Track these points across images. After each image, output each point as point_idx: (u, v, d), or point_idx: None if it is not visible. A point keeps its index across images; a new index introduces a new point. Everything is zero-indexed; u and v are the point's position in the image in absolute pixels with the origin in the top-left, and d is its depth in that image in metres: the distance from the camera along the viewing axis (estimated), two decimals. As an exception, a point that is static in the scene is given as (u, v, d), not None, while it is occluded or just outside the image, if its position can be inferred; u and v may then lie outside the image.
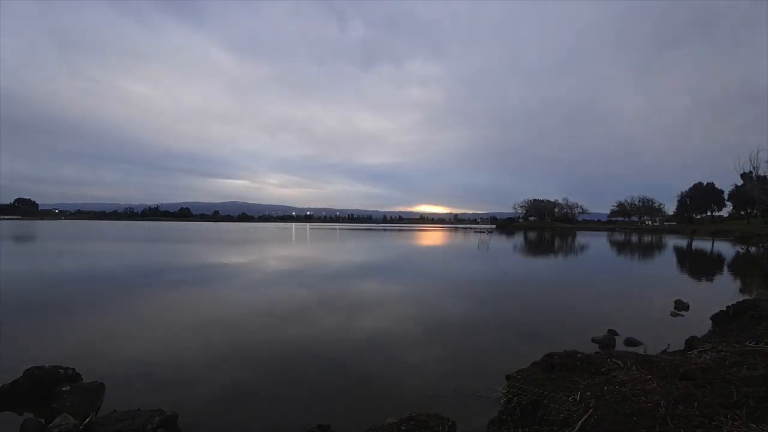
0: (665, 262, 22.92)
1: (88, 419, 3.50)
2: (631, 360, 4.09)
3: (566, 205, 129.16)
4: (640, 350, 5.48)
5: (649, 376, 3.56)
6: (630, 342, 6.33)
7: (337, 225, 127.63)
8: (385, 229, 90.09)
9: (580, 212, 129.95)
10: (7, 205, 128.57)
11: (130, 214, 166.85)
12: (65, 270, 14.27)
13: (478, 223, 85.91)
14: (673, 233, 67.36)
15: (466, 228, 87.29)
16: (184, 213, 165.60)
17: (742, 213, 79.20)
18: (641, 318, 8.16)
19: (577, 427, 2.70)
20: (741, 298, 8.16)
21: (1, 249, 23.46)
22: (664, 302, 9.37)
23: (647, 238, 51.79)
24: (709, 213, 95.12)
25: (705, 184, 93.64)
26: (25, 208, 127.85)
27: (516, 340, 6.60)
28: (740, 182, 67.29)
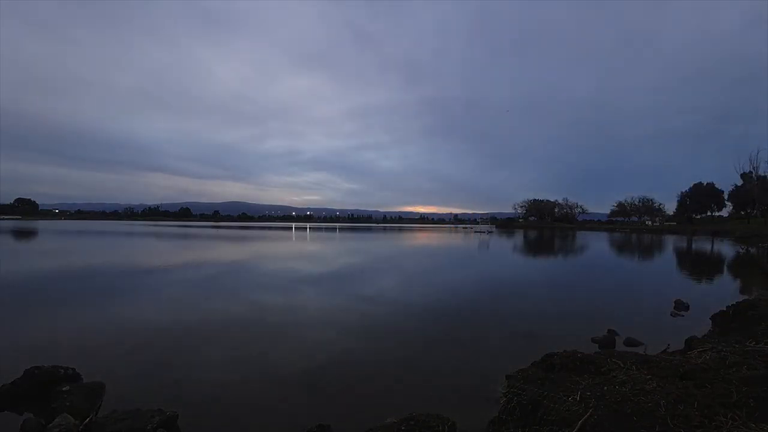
0: (665, 262, 22.92)
1: (88, 419, 3.50)
2: (631, 360, 4.09)
3: (566, 205, 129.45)
4: (640, 350, 5.48)
5: (649, 376, 3.56)
6: (630, 342, 6.33)
7: (337, 225, 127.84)
8: (385, 228, 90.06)
9: (580, 212, 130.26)
10: (7, 205, 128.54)
11: (130, 214, 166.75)
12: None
13: (478, 224, 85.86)
14: (673, 233, 67.37)
15: (465, 228, 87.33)
16: (184, 213, 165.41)
17: (742, 213, 79.23)
18: (641, 318, 8.16)
19: (577, 427, 2.70)
20: (741, 298, 8.17)
21: None
22: (664, 302, 9.37)
23: (647, 238, 51.79)
24: (709, 213, 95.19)
25: (705, 184, 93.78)
26: (25, 208, 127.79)
27: (516, 340, 6.60)
28: (740, 182, 67.39)
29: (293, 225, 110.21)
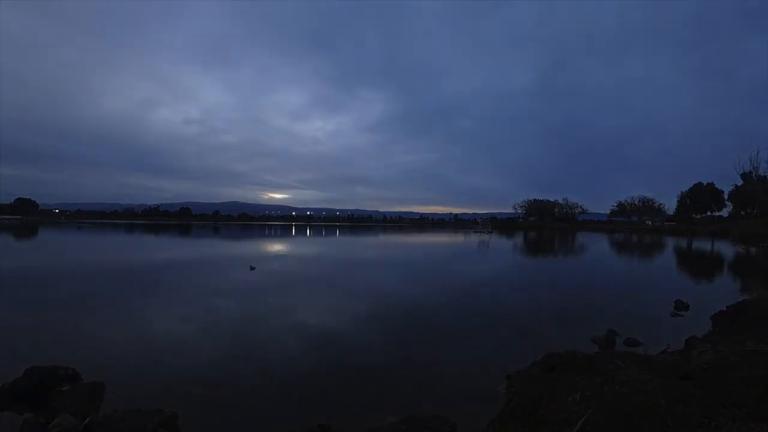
0: (665, 262, 22.92)
1: (88, 419, 3.50)
2: (631, 360, 4.09)
3: (566, 205, 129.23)
4: (640, 350, 5.49)
5: (649, 376, 3.56)
6: (630, 342, 6.33)
7: (337, 224, 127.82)
8: (385, 227, 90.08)
9: (580, 212, 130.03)
10: (7, 204, 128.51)
11: (130, 213, 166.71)
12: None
13: (478, 224, 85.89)
14: (673, 233, 67.37)
15: (466, 229, 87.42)
16: (184, 213, 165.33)
17: (742, 213, 79.23)
18: (641, 318, 8.16)
19: (577, 427, 2.70)
20: (741, 298, 8.17)
21: None
22: (664, 302, 9.38)
23: (647, 239, 51.79)
24: (709, 213, 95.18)
25: (705, 184, 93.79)
26: (25, 208, 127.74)
27: (516, 341, 6.60)
28: (740, 182, 67.31)
29: (293, 224, 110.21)
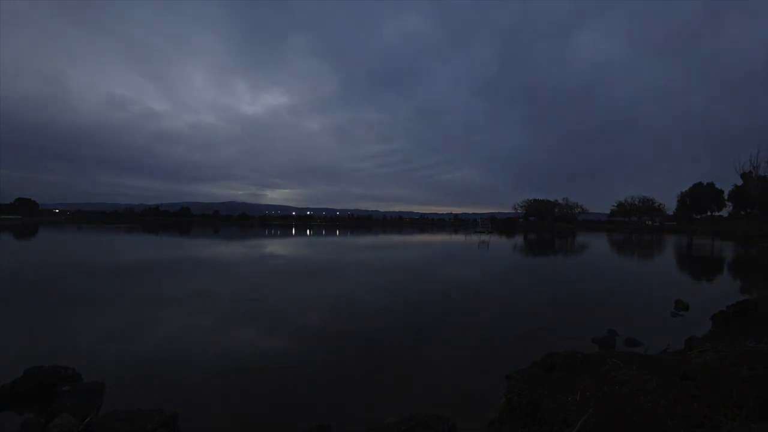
0: (665, 262, 22.91)
1: (88, 419, 3.50)
2: (631, 360, 4.09)
3: (566, 205, 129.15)
4: (640, 350, 5.49)
5: (649, 376, 3.56)
6: (630, 342, 6.33)
7: (338, 223, 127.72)
8: (384, 227, 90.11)
9: (580, 212, 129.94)
10: (7, 204, 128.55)
11: (130, 214, 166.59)
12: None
13: (478, 224, 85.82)
14: (673, 233, 67.39)
15: (466, 228, 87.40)
16: (183, 213, 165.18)
17: (742, 213, 79.29)
18: (641, 318, 8.16)
19: (577, 427, 2.71)
20: (741, 298, 8.16)
21: None
22: (664, 302, 9.37)
23: (647, 238, 51.79)
24: (709, 213, 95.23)
25: (705, 184, 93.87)
26: (25, 208, 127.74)
27: (516, 340, 6.60)
28: (740, 182, 67.41)
29: (293, 224, 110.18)
